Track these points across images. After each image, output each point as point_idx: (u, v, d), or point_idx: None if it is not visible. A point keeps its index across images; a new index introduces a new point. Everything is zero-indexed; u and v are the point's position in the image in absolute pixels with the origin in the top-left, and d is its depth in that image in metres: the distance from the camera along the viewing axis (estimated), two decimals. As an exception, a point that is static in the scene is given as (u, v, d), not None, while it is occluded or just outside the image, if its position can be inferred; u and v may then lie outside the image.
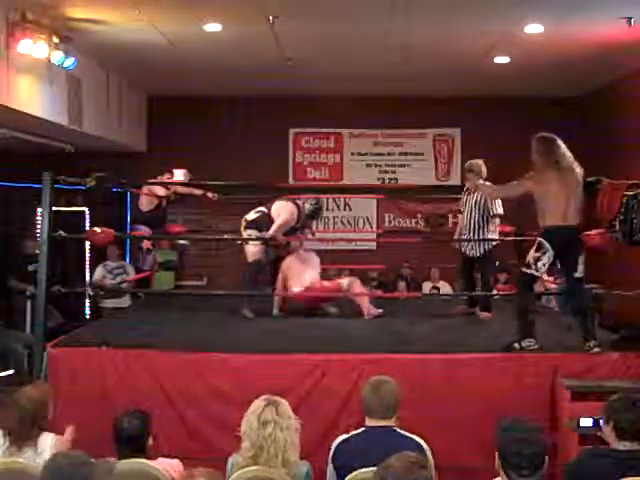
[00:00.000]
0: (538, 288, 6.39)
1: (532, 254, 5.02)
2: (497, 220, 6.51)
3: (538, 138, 5.15)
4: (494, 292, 7.02)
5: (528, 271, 5.03)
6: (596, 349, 4.95)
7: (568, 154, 5.08)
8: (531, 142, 5.15)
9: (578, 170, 5.09)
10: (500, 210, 6.46)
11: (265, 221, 6.68)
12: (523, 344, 4.95)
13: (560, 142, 5.09)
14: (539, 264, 4.98)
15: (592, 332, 5.05)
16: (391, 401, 3.44)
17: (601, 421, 3.34)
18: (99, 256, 9.09)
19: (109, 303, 8.53)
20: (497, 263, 7.98)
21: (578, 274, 5.06)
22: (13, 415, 3.55)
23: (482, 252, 6.48)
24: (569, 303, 5.57)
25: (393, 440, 3.34)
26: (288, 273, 6.74)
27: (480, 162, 6.41)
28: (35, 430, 3.54)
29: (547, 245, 4.95)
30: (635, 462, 3.07)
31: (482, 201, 6.39)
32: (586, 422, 4.35)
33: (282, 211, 6.69)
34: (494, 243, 6.55)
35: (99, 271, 8.85)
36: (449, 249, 7.26)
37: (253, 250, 6.67)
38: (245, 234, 6.72)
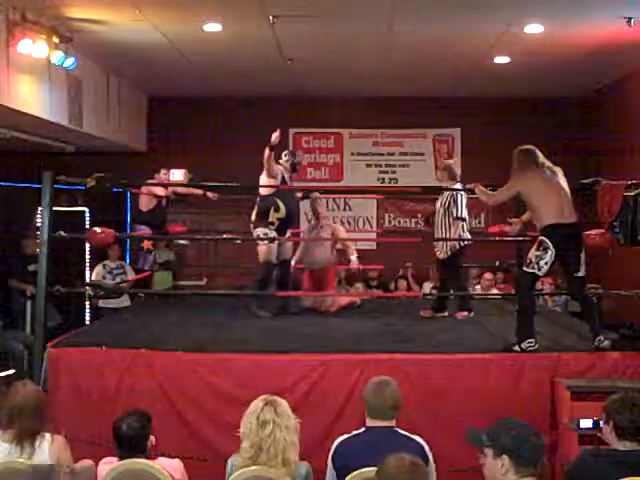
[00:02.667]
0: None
1: (533, 252, 4.98)
2: (460, 223, 6.35)
3: (519, 150, 5.22)
4: (470, 290, 7.37)
5: (529, 270, 4.99)
6: (606, 342, 4.94)
7: (548, 162, 5.15)
8: (512, 157, 5.22)
9: (561, 174, 5.15)
10: (462, 214, 6.35)
11: (264, 206, 6.64)
12: (523, 346, 4.93)
13: (539, 152, 5.16)
14: (541, 263, 4.92)
15: (600, 328, 5.05)
16: (392, 401, 3.44)
17: (601, 421, 3.34)
18: (99, 256, 9.08)
19: (109, 303, 8.52)
20: (497, 263, 7.97)
21: (581, 273, 5.05)
22: (10, 414, 3.55)
23: (448, 254, 6.40)
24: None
25: (394, 440, 3.34)
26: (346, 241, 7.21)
27: (447, 162, 7.11)
28: (34, 430, 3.53)
29: (549, 243, 4.90)
30: (635, 462, 3.07)
31: (447, 204, 6.41)
32: (586, 423, 4.34)
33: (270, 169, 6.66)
34: (462, 244, 6.43)
35: (98, 271, 8.84)
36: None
37: (263, 250, 6.63)
38: (255, 235, 6.67)
